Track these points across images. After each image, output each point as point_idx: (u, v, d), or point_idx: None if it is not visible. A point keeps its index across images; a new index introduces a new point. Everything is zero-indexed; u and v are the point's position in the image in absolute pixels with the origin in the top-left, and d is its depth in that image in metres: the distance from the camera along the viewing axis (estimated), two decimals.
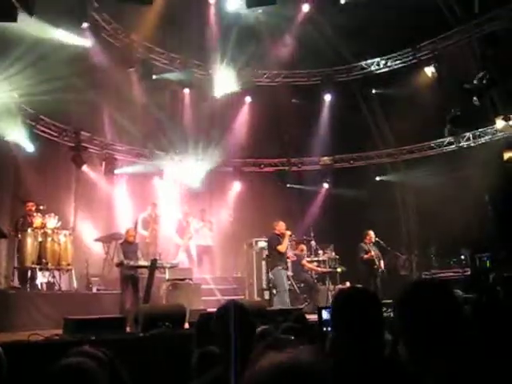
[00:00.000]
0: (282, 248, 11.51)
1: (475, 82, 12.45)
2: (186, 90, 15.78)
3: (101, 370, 2.18)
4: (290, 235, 11.99)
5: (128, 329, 7.96)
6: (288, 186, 16.87)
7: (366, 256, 12.58)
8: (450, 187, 13.43)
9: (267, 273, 12.70)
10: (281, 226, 11.74)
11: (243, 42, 14.58)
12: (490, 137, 14.55)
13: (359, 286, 9.86)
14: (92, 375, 2.07)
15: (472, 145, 14.89)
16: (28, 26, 10.48)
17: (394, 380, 1.69)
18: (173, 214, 14.95)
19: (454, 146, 15.24)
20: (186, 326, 8.18)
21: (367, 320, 2.28)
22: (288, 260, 12.31)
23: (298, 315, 6.05)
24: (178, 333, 7.51)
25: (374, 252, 12.62)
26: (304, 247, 13.92)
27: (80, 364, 2.10)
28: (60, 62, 11.80)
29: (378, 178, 16.43)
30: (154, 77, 14.65)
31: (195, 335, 4.27)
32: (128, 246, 11.22)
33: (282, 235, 11.61)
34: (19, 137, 11.98)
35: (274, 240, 11.67)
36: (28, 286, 10.43)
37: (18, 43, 10.85)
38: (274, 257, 11.71)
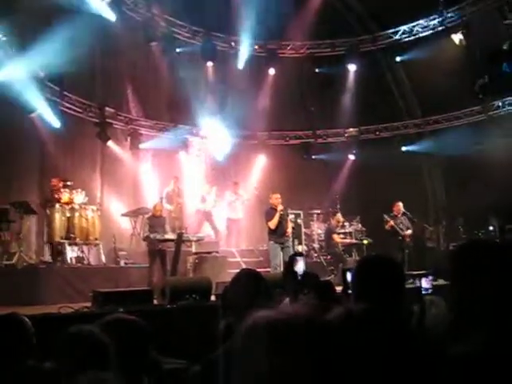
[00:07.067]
0: (271, 225, 10.79)
1: (505, 47, 12.10)
2: (210, 63, 15.67)
3: (108, 339, 2.17)
4: (282, 210, 10.91)
5: (155, 301, 8.07)
6: (313, 158, 16.75)
7: (386, 226, 12.53)
8: (477, 157, 13.18)
9: (293, 246, 12.64)
10: (274, 199, 11.00)
11: (266, 13, 14.37)
12: None
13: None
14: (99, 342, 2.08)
15: (501, 113, 14.54)
16: None
17: (410, 351, 1.65)
18: (197, 188, 15.00)
19: (482, 115, 14.89)
20: (213, 298, 8.25)
21: (386, 287, 2.25)
22: (287, 237, 11.11)
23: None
24: (204, 305, 7.58)
25: (400, 223, 12.54)
26: (340, 218, 13.84)
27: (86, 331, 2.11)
28: (84, 38, 11.77)
29: (404, 149, 16.17)
30: (178, 50, 14.61)
31: (221, 307, 4.29)
32: (155, 220, 11.38)
33: (276, 208, 10.88)
34: (45, 113, 12.07)
35: (267, 215, 10.98)
36: (58, 260, 10.60)
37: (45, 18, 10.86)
38: (268, 230, 10.99)
